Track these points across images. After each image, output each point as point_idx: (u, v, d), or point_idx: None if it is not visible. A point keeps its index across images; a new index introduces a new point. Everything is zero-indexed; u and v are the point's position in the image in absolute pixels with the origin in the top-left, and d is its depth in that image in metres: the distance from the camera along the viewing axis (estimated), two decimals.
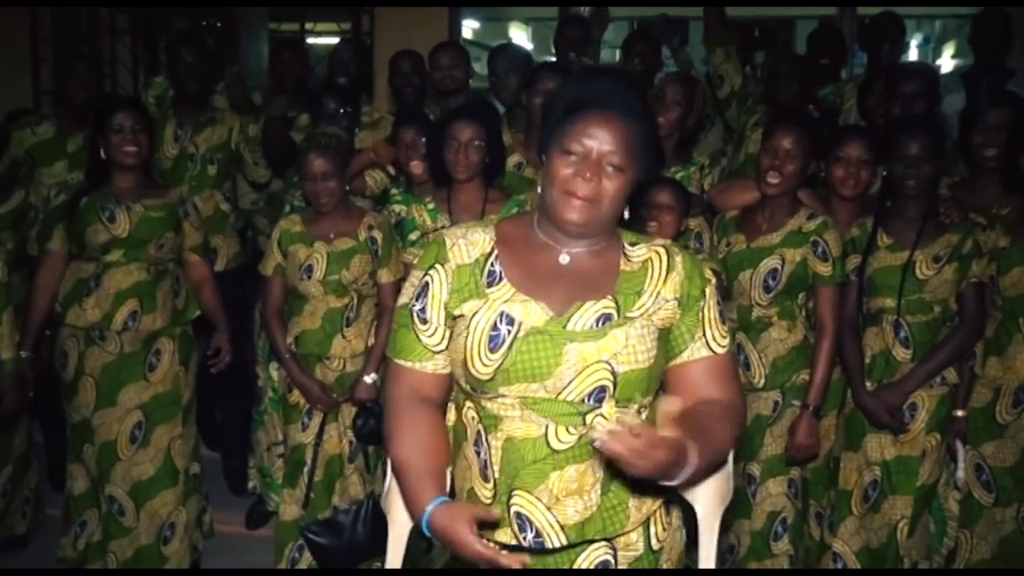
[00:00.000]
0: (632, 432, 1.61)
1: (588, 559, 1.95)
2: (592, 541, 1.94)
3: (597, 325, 1.88)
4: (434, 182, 3.90)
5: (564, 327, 1.88)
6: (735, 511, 3.56)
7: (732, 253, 3.49)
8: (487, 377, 1.89)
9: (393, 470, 1.99)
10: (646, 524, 1.98)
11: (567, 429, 1.88)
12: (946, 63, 11.95)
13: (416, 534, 3.67)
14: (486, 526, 1.91)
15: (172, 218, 3.78)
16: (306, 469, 3.76)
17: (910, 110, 3.89)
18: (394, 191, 4.03)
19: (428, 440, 1.96)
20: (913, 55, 12.50)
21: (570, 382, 1.87)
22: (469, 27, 9.69)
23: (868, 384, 3.43)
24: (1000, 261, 3.43)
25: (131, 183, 3.74)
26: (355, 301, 3.76)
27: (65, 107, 4.79)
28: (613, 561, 1.96)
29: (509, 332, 1.89)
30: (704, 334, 1.96)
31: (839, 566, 3.49)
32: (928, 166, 3.35)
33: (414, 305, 1.99)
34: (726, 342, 1.98)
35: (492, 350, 1.89)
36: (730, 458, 2.02)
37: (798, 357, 3.43)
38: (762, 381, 3.45)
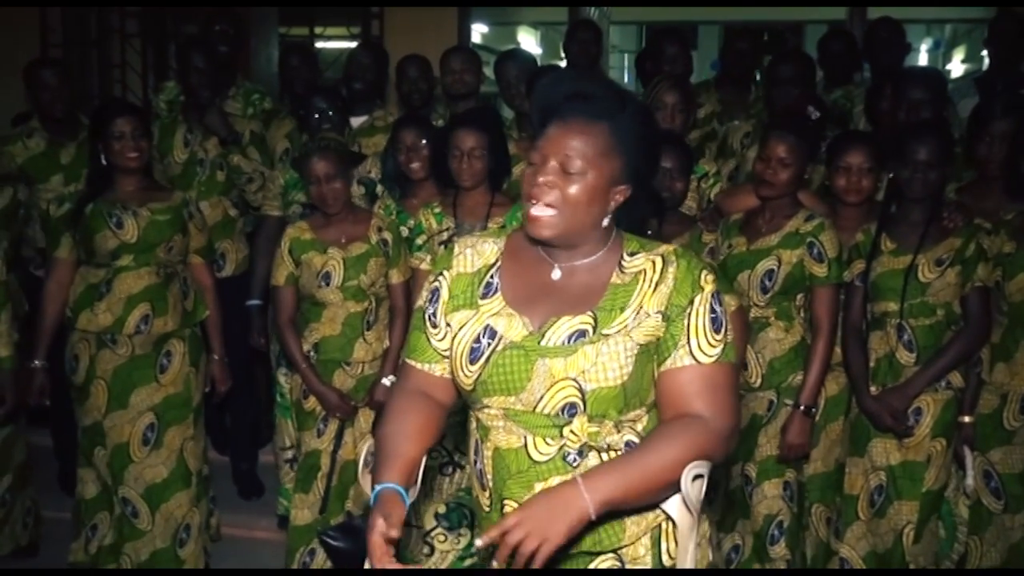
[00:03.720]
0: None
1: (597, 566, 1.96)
2: (593, 553, 1.94)
3: (569, 341, 1.88)
4: (438, 186, 3.92)
5: (538, 342, 1.89)
6: (737, 511, 3.57)
7: (732, 255, 3.51)
8: (470, 388, 1.94)
9: (374, 448, 2.00)
10: (656, 539, 1.96)
11: (545, 440, 1.89)
12: (956, 68, 11.95)
13: (419, 538, 3.70)
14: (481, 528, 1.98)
15: (178, 220, 3.79)
16: (320, 474, 3.77)
17: (916, 116, 3.88)
18: (389, 203, 4.03)
19: (411, 426, 1.97)
20: (923, 60, 12.52)
21: (541, 397, 1.88)
22: (477, 31, 9.72)
23: (872, 388, 3.43)
24: (1005, 267, 3.43)
25: (135, 187, 3.76)
26: (374, 304, 3.77)
27: (49, 119, 4.55)
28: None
29: (489, 345, 1.92)
30: (688, 342, 1.88)
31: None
32: (935, 172, 3.35)
33: (427, 309, 2.03)
34: (715, 352, 1.88)
35: (472, 362, 1.93)
36: (704, 470, 1.86)
37: (795, 358, 3.44)
38: (758, 381, 3.46)
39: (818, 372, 3.39)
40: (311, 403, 3.78)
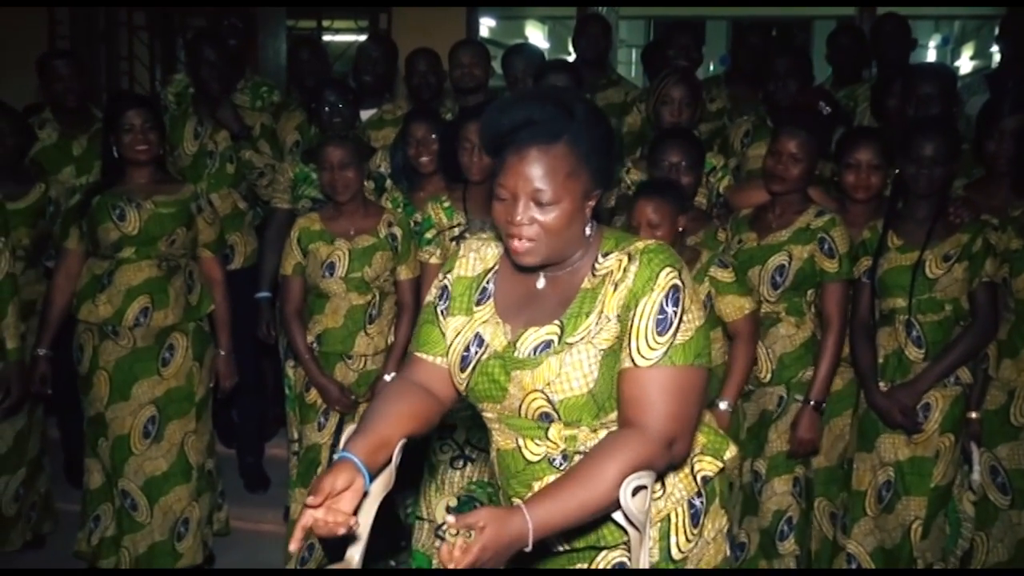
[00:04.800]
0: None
1: (605, 560, 1.98)
2: (598, 548, 1.96)
3: (535, 353, 1.88)
4: (447, 180, 3.93)
5: (512, 353, 1.90)
6: (744, 508, 3.57)
7: (742, 250, 3.51)
8: (465, 393, 1.97)
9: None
10: (665, 532, 1.97)
11: (534, 442, 1.92)
12: (965, 64, 11.92)
13: (431, 531, 3.69)
14: None
15: (183, 214, 3.79)
16: (320, 469, 3.76)
17: (925, 112, 3.87)
18: (396, 196, 4.05)
19: (397, 408, 1.95)
20: (932, 56, 12.48)
21: (520, 405, 1.90)
22: (485, 25, 9.70)
23: (881, 384, 3.42)
24: (1012, 263, 3.43)
25: (146, 179, 3.76)
26: (377, 298, 3.77)
27: (62, 110, 4.57)
28: (629, 563, 1.96)
29: (476, 353, 1.94)
30: (629, 344, 1.83)
31: (853, 567, 3.48)
32: (941, 168, 3.33)
33: (439, 304, 2.05)
34: (654, 355, 1.81)
35: (462, 369, 1.96)
36: (648, 480, 1.81)
37: (806, 354, 3.44)
38: (768, 376, 3.46)
39: (828, 367, 3.39)
40: (312, 396, 3.80)
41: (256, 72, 5.63)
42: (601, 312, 1.86)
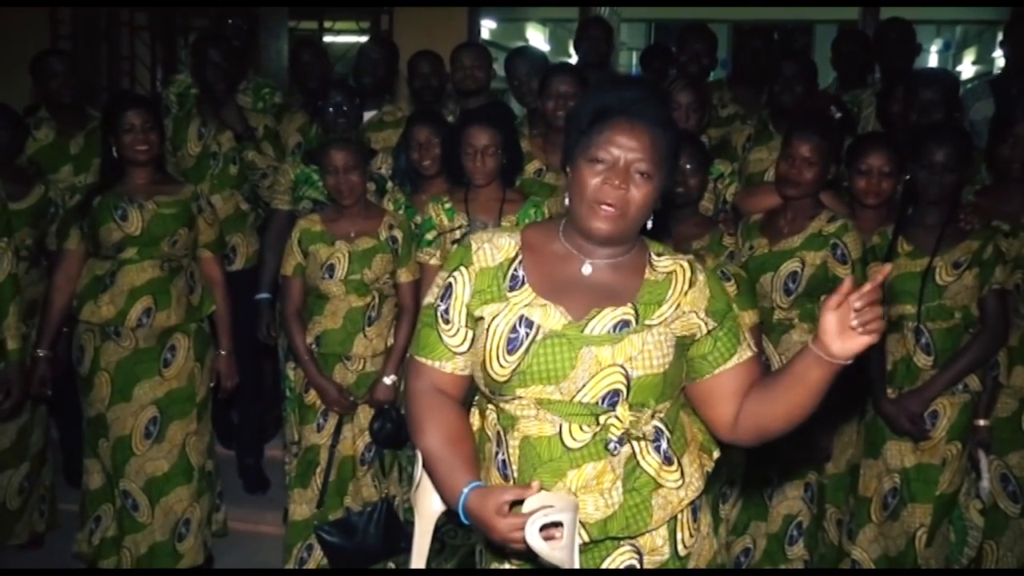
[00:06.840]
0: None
1: (614, 562, 1.97)
2: (617, 539, 1.95)
3: (614, 331, 1.91)
4: (449, 183, 3.91)
5: (582, 331, 1.91)
6: (751, 513, 3.54)
7: (754, 257, 3.48)
8: (504, 379, 1.93)
9: (424, 461, 1.99)
10: (672, 530, 1.99)
11: (580, 427, 1.91)
12: (967, 69, 11.93)
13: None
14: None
15: (185, 214, 3.77)
16: (319, 470, 3.77)
17: (928, 117, 3.84)
18: (399, 198, 4.05)
19: (455, 429, 1.98)
20: (933, 61, 12.49)
21: (584, 384, 1.89)
22: (486, 27, 9.70)
23: (889, 391, 3.40)
24: None
25: (145, 179, 3.75)
26: (376, 300, 3.75)
27: (58, 108, 4.56)
28: (639, 565, 1.97)
29: (527, 335, 1.92)
30: (745, 337, 2.01)
31: None
32: (951, 174, 3.32)
33: (439, 305, 2.02)
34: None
35: (510, 352, 1.92)
36: (565, 517, 1.78)
37: None
38: None
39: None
40: (311, 397, 3.78)
41: (258, 73, 5.62)
42: (678, 304, 1.95)
